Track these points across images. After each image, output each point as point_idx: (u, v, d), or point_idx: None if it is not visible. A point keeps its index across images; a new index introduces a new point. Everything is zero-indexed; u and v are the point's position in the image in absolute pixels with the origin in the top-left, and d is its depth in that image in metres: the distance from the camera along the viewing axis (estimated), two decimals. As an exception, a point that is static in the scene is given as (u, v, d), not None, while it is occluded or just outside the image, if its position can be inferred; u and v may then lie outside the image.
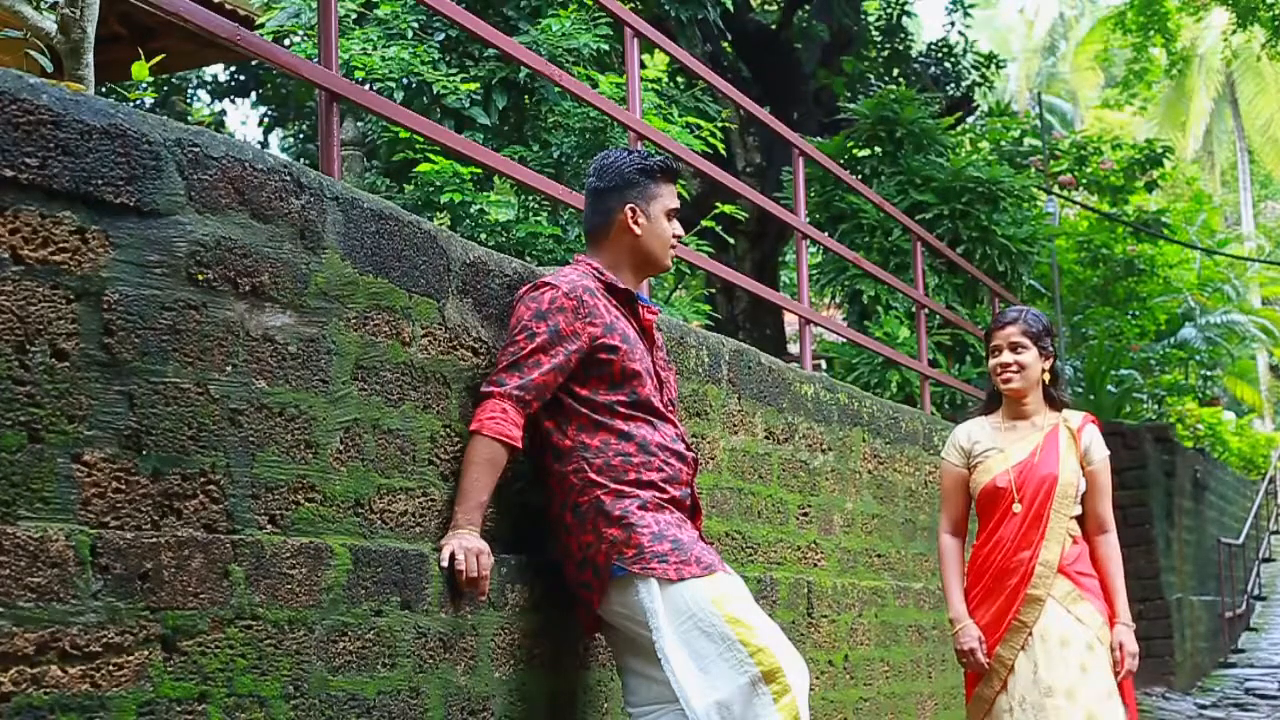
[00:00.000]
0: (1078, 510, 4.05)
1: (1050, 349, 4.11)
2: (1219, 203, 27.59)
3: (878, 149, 9.77)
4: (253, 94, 14.69)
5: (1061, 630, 3.94)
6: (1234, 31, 17.80)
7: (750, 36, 13.61)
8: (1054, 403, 4.14)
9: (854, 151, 9.86)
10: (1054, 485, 4.00)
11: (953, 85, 14.50)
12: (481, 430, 2.89)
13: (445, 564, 2.78)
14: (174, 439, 2.27)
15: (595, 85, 7.40)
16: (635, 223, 3.22)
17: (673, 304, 9.00)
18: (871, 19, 14.92)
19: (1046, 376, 4.10)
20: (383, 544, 2.69)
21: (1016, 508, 4.02)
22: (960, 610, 4.09)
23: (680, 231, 3.32)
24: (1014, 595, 3.99)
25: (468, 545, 2.82)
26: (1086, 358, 13.64)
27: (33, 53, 3.34)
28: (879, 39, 14.73)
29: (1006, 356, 4.08)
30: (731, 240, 10.53)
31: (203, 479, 2.33)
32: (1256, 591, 17.36)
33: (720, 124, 9.50)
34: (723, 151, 9.80)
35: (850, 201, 9.19)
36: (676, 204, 3.29)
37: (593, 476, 3.00)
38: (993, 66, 14.81)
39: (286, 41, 8.28)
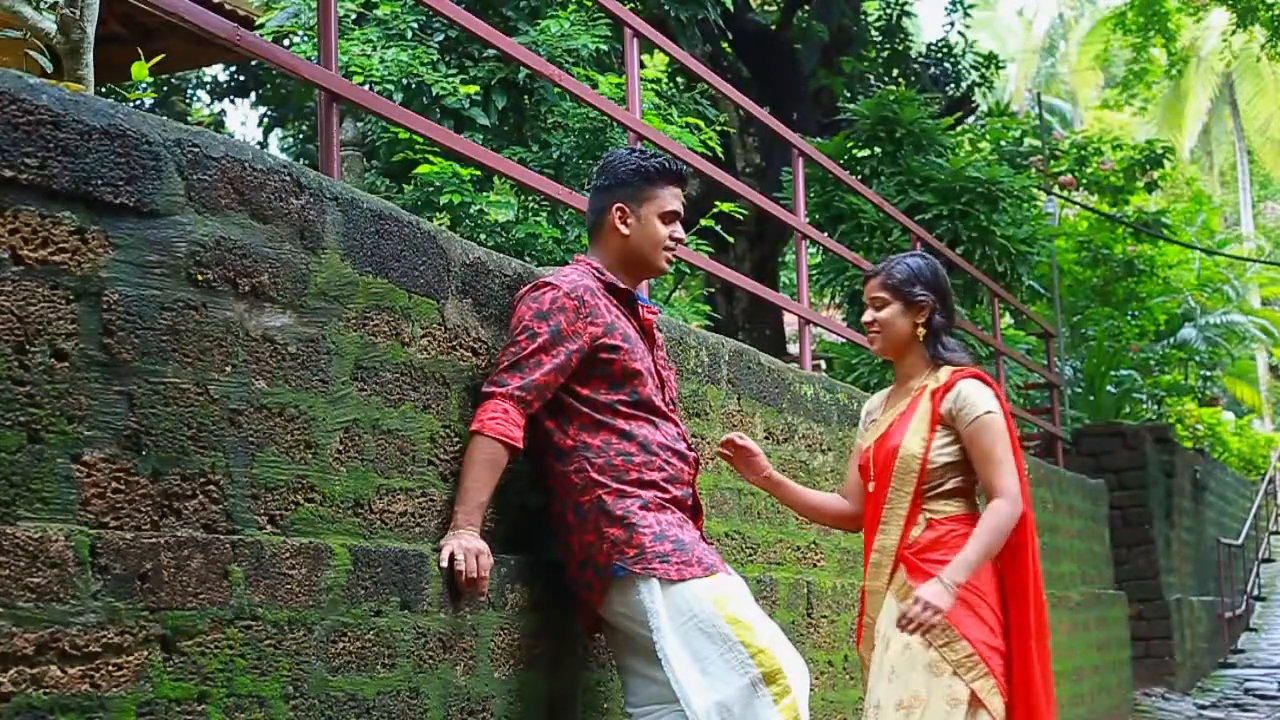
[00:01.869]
0: (947, 486, 3.40)
1: (923, 298, 3.47)
2: (1218, 203, 27.59)
3: (877, 149, 9.77)
4: (252, 94, 14.68)
5: (890, 631, 3.36)
6: (1234, 32, 17.81)
7: (750, 37, 13.61)
8: (938, 361, 3.50)
9: (854, 152, 9.86)
10: (893, 457, 3.42)
11: (952, 85, 14.49)
12: (483, 430, 2.89)
13: (445, 564, 2.78)
14: (174, 439, 2.27)
15: (595, 85, 7.40)
16: (624, 223, 3.20)
17: (672, 304, 9.00)
18: (871, 19, 14.91)
19: (920, 331, 3.49)
20: (382, 544, 2.69)
21: (870, 486, 3.50)
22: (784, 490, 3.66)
23: (681, 235, 3.28)
24: (864, 588, 3.52)
25: (467, 545, 2.81)
26: (1086, 358, 13.65)
27: (33, 53, 3.34)
28: (879, 39, 14.73)
29: (868, 315, 3.54)
30: (731, 240, 10.53)
31: (202, 479, 2.33)
32: (1256, 592, 17.37)
33: (719, 128, 9.50)
34: (720, 154, 9.80)
35: (850, 202, 9.19)
36: (675, 207, 3.23)
37: (594, 476, 3.00)
38: (992, 67, 14.80)
39: (286, 42, 8.28)
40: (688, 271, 9.81)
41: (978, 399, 3.39)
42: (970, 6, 15.12)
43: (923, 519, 3.39)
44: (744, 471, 3.65)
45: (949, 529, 3.37)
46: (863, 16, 14.59)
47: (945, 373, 3.46)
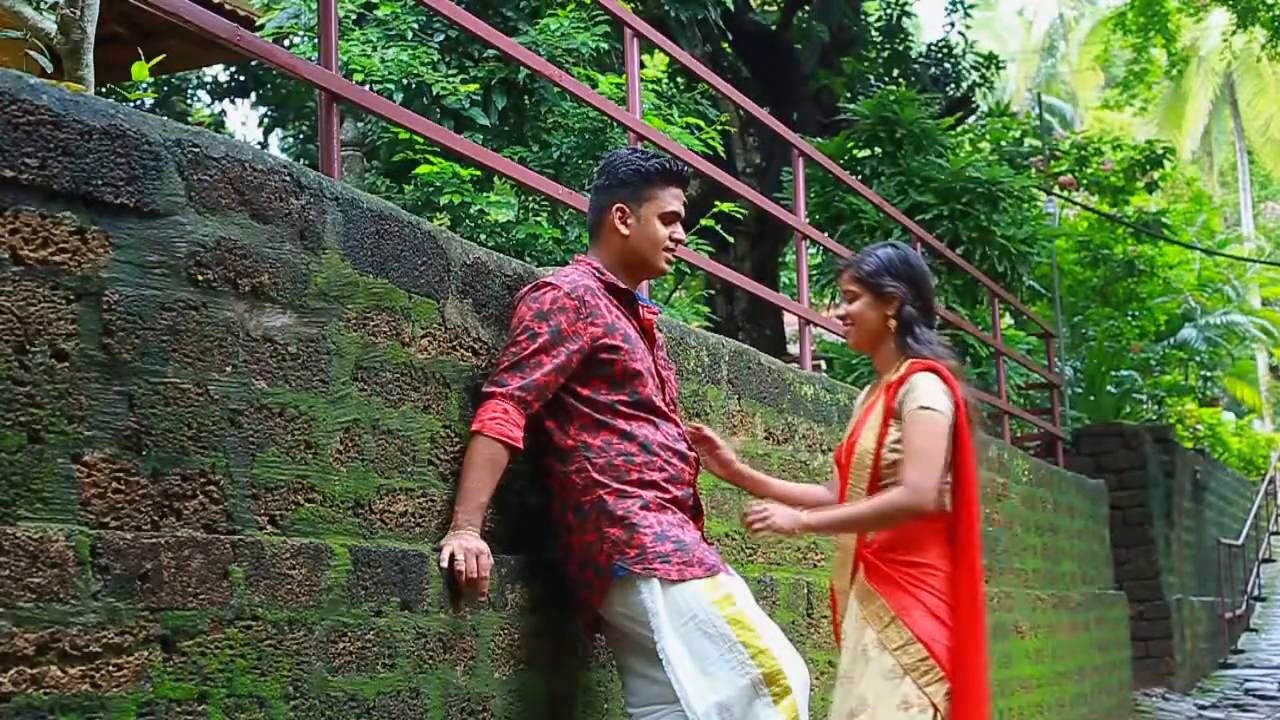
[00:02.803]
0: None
1: (893, 290, 3.34)
2: (1218, 203, 27.61)
3: (877, 149, 9.77)
4: (253, 94, 14.68)
5: (851, 632, 3.32)
6: (1234, 32, 17.81)
7: (750, 37, 13.61)
8: (906, 354, 3.35)
9: (854, 152, 9.87)
10: (853, 453, 3.34)
11: (953, 86, 14.49)
12: (483, 431, 2.89)
13: (445, 564, 2.78)
14: (174, 439, 2.27)
15: (595, 85, 7.40)
16: (624, 223, 3.19)
17: (672, 304, 9.00)
18: (871, 19, 14.92)
19: (892, 324, 3.36)
20: (383, 544, 2.69)
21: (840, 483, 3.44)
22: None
23: (681, 235, 3.27)
24: (832, 586, 3.46)
25: (468, 546, 2.81)
26: (1086, 358, 13.64)
27: (33, 53, 3.35)
28: (879, 39, 14.73)
29: (841, 308, 3.47)
30: (731, 240, 10.53)
31: (203, 479, 2.33)
32: (1256, 592, 17.38)
33: (719, 127, 9.51)
34: (722, 153, 9.80)
35: (850, 202, 9.19)
36: (676, 207, 3.23)
37: (595, 476, 3.00)
38: (992, 67, 14.80)
39: (286, 42, 8.28)
40: (688, 271, 9.81)
41: (921, 392, 3.24)
42: (970, 6, 15.12)
43: None
44: (709, 465, 3.53)
45: (904, 529, 3.24)
46: (863, 17, 14.60)
47: (906, 365, 3.32)
